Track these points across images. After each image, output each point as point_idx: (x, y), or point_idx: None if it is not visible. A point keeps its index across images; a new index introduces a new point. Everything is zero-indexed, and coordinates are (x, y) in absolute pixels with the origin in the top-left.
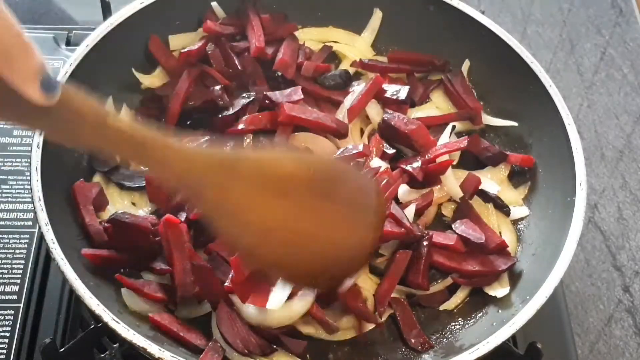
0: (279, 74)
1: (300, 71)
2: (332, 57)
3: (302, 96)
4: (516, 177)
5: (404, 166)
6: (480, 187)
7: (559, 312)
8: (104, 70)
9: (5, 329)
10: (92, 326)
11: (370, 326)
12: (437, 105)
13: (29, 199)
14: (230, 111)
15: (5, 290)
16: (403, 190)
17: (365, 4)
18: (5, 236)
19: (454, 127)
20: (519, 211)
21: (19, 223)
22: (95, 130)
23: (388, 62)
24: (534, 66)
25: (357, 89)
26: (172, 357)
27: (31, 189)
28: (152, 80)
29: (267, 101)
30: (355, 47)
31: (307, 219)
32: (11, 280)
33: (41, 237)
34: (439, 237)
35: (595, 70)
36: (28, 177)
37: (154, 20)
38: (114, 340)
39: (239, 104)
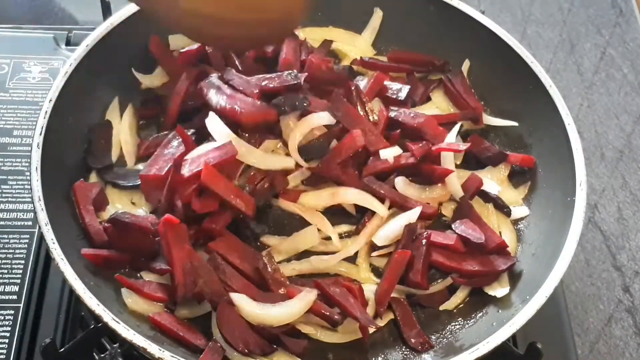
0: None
1: (304, 68)
2: (333, 55)
3: None
4: (516, 177)
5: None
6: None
7: (559, 312)
8: (104, 70)
9: (5, 329)
10: (92, 326)
11: (373, 328)
12: (437, 105)
13: (29, 199)
14: None
15: (5, 290)
16: (401, 181)
17: (365, 3)
18: (5, 236)
19: (461, 126)
20: (519, 211)
21: (19, 223)
22: None
23: (388, 61)
24: (534, 66)
25: (360, 84)
26: (172, 357)
27: (31, 189)
28: (152, 80)
29: None
30: (355, 45)
31: None
32: (11, 280)
33: (41, 237)
34: (438, 237)
35: (595, 70)
36: (28, 177)
37: (153, 21)
38: (114, 340)
39: None
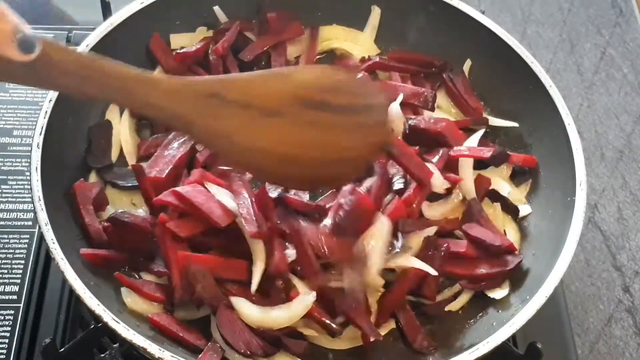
0: None
1: None
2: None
3: None
4: (516, 177)
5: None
6: (491, 188)
7: (559, 312)
8: None
9: (5, 329)
10: (92, 326)
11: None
12: (438, 105)
13: (29, 199)
14: None
15: (5, 290)
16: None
17: (365, 3)
18: (5, 236)
19: (486, 131)
20: (522, 209)
21: (19, 223)
22: (80, 75)
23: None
24: (534, 66)
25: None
26: (172, 357)
27: (31, 189)
28: None
29: None
30: (359, 45)
31: (303, 132)
32: (11, 280)
33: (41, 237)
34: (454, 246)
35: (595, 70)
36: (28, 177)
37: (153, 20)
38: (114, 340)
39: None
